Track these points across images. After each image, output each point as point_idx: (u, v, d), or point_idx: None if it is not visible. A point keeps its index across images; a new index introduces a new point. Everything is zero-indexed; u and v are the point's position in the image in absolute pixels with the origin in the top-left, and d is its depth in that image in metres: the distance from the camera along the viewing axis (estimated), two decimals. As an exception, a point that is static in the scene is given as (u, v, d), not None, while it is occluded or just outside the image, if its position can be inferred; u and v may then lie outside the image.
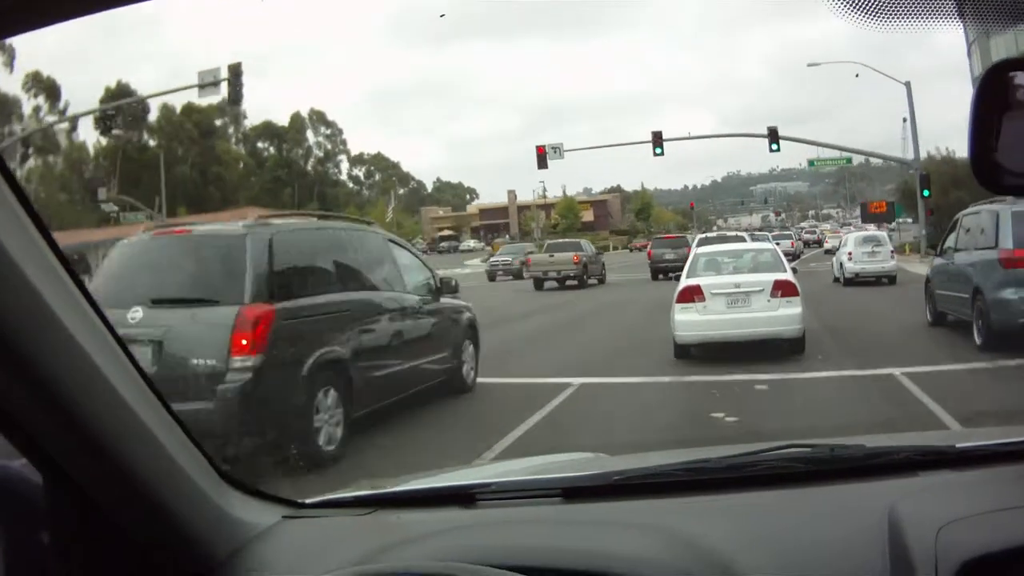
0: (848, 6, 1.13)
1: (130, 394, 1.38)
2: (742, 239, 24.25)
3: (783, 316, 10.85)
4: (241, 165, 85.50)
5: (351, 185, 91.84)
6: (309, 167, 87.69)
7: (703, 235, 32.83)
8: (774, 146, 34.25)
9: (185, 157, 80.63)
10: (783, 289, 10.99)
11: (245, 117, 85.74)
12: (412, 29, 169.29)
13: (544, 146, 39.96)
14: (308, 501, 1.85)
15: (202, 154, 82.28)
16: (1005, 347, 9.84)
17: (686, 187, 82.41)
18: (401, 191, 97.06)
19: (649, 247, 34.54)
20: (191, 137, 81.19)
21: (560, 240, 36.73)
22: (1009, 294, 10.14)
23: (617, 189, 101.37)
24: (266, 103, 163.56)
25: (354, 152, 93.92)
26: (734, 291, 11.12)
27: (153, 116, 78.71)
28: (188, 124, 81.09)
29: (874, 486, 1.67)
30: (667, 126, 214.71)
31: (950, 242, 12.67)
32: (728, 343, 10.91)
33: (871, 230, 31.72)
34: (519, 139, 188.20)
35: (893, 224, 42.80)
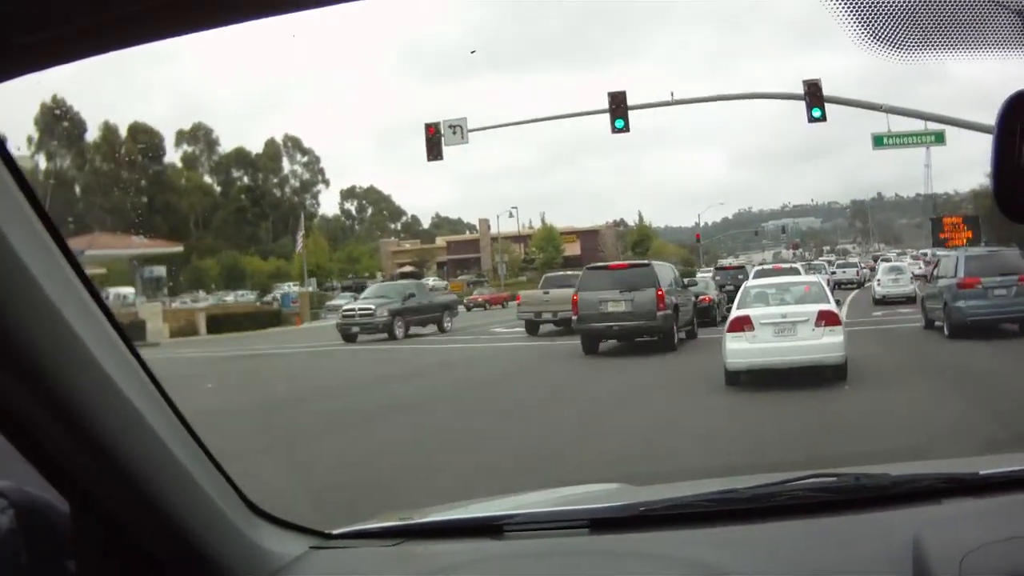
0: (870, 38, 1.33)
1: (160, 426, 1.54)
2: (796, 271, 27.92)
3: (827, 344, 13.24)
4: (213, 194, 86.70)
5: (343, 219, 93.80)
6: (285, 197, 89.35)
7: (759, 267, 33.43)
8: (816, 112, 26.96)
9: (131, 183, 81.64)
10: (827, 319, 13.42)
11: (218, 144, 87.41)
12: (422, 63, 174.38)
13: (436, 125, 29.00)
14: (335, 532, 2.06)
15: (149, 180, 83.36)
16: (960, 335, 18.57)
17: (696, 224, 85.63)
18: (393, 225, 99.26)
19: (575, 292, 21.63)
20: (133, 160, 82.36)
21: (559, 273, 30.49)
22: (961, 304, 18.89)
23: (620, 223, 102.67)
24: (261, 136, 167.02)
25: (347, 185, 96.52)
26: (781, 321, 13.57)
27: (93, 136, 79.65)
28: (131, 146, 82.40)
29: (899, 514, 1.87)
30: (682, 161, 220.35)
31: (934, 274, 22.15)
32: (775, 370, 13.27)
33: (895, 261, 43.05)
34: (539, 173, 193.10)
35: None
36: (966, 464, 2.34)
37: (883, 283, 32.96)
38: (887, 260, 46.96)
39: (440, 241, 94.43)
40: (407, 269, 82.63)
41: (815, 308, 13.70)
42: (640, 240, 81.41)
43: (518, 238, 74.85)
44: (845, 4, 1.31)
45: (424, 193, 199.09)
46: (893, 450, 8.08)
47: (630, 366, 18.62)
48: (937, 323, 20.55)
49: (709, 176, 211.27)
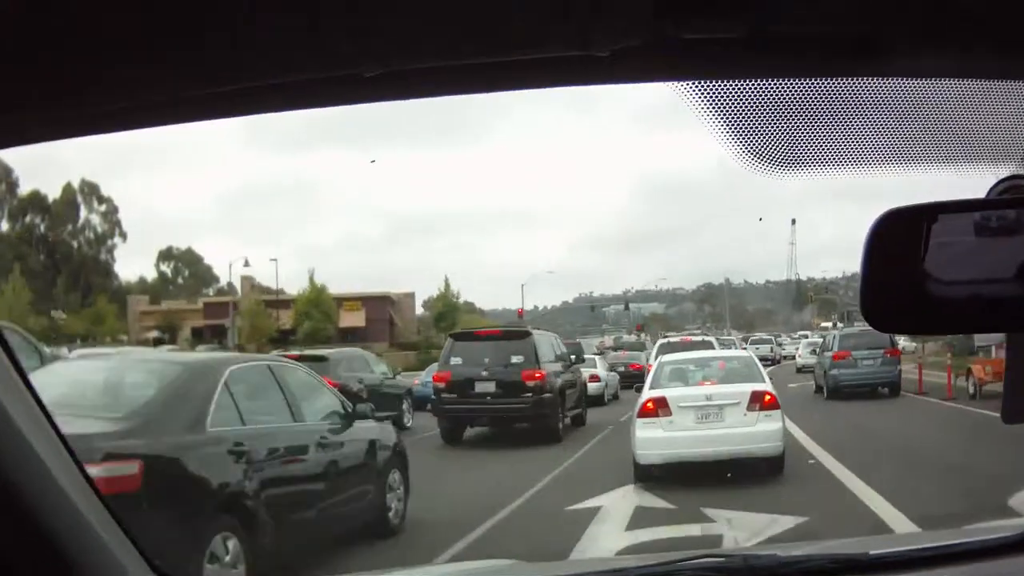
0: (750, 156, 1.37)
1: (73, 489, 1.65)
2: (710, 344, 25.65)
3: (761, 432, 11.49)
4: (7, 242, 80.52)
5: (160, 282, 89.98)
6: (80, 249, 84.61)
7: (664, 340, 30.28)
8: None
9: None
10: (761, 401, 11.68)
11: (17, 186, 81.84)
12: (263, 136, 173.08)
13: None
14: None
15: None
16: (835, 397, 24.62)
17: (535, 307, 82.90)
18: (206, 291, 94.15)
19: None
20: None
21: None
22: (835, 372, 25.18)
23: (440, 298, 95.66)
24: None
25: (165, 246, 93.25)
26: (705, 404, 11.77)
27: None
28: None
29: None
30: (523, 245, 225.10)
31: (821, 348, 29.67)
32: (697, 463, 11.36)
33: (815, 336, 50.20)
34: (383, 247, 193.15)
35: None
36: (856, 545, 2.73)
37: (803, 355, 41.11)
38: (804, 336, 56.80)
39: (200, 303, 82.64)
40: (154, 334, 73.61)
41: (747, 388, 11.99)
42: (445, 312, 68.61)
43: (276, 303, 64.56)
44: (728, 128, 1.34)
45: (256, 262, 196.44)
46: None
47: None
48: (823, 389, 26.50)
49: (548, 261, 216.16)
